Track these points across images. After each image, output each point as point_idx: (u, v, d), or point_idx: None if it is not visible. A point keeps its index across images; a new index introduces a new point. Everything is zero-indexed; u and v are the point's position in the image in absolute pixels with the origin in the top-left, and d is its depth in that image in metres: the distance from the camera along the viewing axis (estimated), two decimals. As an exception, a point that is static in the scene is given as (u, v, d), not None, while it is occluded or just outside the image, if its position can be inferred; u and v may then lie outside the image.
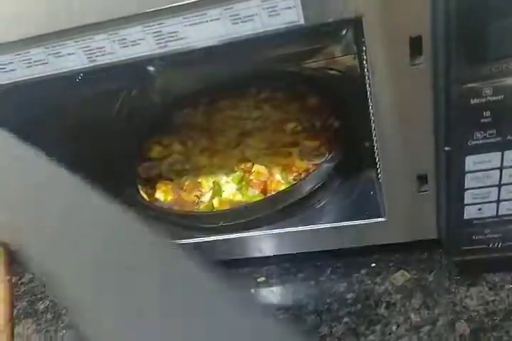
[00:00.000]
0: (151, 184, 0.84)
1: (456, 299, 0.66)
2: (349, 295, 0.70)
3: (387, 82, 0.50)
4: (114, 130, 0.98)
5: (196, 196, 0.78)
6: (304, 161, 0.77)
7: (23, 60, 0.54)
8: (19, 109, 0.68)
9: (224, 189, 0.77)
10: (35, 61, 0.53)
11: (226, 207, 0.74)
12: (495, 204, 0.57)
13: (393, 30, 0.46)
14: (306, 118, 0.85)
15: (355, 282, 0.72)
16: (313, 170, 0.73)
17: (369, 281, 0.71)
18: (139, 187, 0.84)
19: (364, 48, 0.48)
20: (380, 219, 0.65)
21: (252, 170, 0.78)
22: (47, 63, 0.53)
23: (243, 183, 0.77)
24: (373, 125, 0.56)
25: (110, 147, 0.93)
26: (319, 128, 0.83)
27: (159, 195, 0.81)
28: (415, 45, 0.46)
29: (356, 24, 0.47)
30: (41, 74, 0.54)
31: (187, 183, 0.80)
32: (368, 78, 0.51)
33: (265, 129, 0.86)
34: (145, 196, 0.81)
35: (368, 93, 0.54)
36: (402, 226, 0.66)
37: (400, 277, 0.71)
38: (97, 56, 0.53)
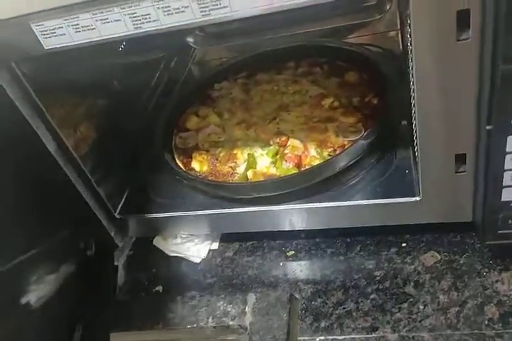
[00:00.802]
0: (187, 154, 0.84)
1: (487, 283, 0.65)
2: (377, 273, 0.70)
3: (431, 58, 0.49)
4: (152, 101, 0.99)
5: (231, 167, 0.78)
6: (340, 137, 0.75)
7: (72, 25, 0.55)
8: (62, 75, 0.70)
9: (258, 161, 0.77)
10: (83, 26, 0.54)
11: (260, 179, 0.74)
12: (535, 188, 0.56)
13: (440, 3, 0.44)
14: (344, 94, 0.84)
15: (384, 260, 0.71)
16: (349, 147, 0.72)
17: (398, 260, 0.71)
18: (176, 156, 0.84)
19: (409, 22, 0.47)
20: (414, 199, 0.65)
21: (287, 144, 0.77)
22: (94, 29, 0.55)
23: (278, 157, 0.76)
24: (413, 102, 0.55)
25: (148, 117, 0.95)
26: (357, 105, 0.81)
27: (195, 164, 0.81)
28: (462, 19, 0.45)
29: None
30: (88, 40, 0.55)
31: (222, 154, 0.80)
32: (411, 53, 0.49)
33: (302, 104, 0.85)
34: (181, 165, 0.82)
35: (410, 69, 0.52)
36: (436, 206, 0.65)
37: (430, 258, 0.70)
38: (142, 23, 0.53)
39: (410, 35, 0.48)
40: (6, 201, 0.64)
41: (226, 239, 0.82)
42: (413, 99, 0.55)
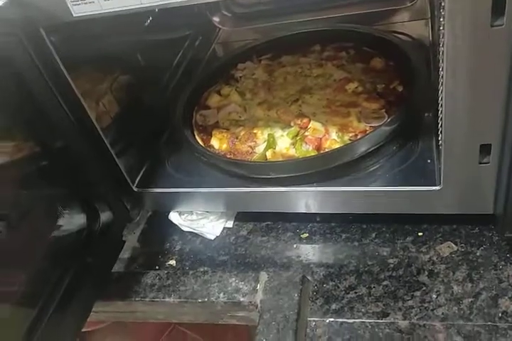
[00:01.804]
0: (207, 132, 0.84)
1: (503, 276, 0.64)
2: (391, 260, 0.69)
3: (463, 44, 0.47)
4: (174, 78, 0.98)
5: (250, 146, 0.77)
6: (362, 123, 0.74)
7: (102, -7, 0.55)
8: (89, 48, 0.70)
9: (278, 142, 0.76)
10: None
11: (279, 159, 0.73)
12: (560, 183, 0.54)
13: None
14: (369, 80, 0.82)
15: (399, 248, 0.70)
16: (371, 132, 0.70)
17: (414, 249, 0.70)
18: (196, 133, 0.84)
19: (443, 7, 0.45)
20: (434, 188, 0.63)
21: (308, 127, 0.76)
22: (123, -3, 0.55)
23: (298, 138, 0.75)
24: (441, 89, 0.53)
25: (169, 94, 0.94)
26: (381, 91, 0.79)
27: (214, 142, 0.81)
28: (498, 5, 0.43)
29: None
30: (117, 9, 0.55)
31: (242, 133, 0.80)
32: (443, 39, 0.48)
33: (326, 87, 0.83)
34: (200, 142, 0.82)
35: (440, 55, 0.51)
36: (456, 197, 0.64)
37: (447, 248, 0.69)
38: None
39: (443, 21, 0.46)
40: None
41: (241, 218, 0.82)
42: (441, 85, 0.53)
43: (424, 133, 0.72)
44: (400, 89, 0.79)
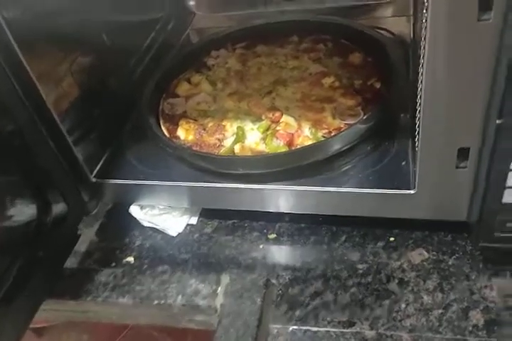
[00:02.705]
0: (174, 121, 0.79)
1: (475, 287, 0.61)
2: (361, 266, 0.66)
3: (446, 39, 0.44)
4: (142, 63, 0.93)
5: (218, 139, 0.74)
6: (337, 119, 0.71)
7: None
8: (48, 26, 0.65)
9: (247, 136, 0.72)
10: None
11: (247, 154, 0.70)
12: (539, 192, 0.51)
13: None
14: (346, 75, 0.79)
15: (369, 253, 0.67)
16: (345, 130, 0.67)
17: (384, 255, 0.67)
18: (162, 122, 0.80)
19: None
20: (408, 191, 0.60)
21: (281, 121, 0.73)
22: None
23: (268, 133, 0.71)
24: (420, 87, 0.49)
25: (136, 79, 0.89)
26: (358, 88, 0.76)
27: (180, 132, 0.77)
28: None
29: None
30: None
31: (210, 125, 0.75)
32: (425, 34, 0.45)
33: (301, 80, 0.80)
34: (166, 132, 0.77)
35: (421, 50, 0.48)
36: (430, 202, 0.61)
37: (418, 256, 0.66)
38: None
39: (426, 15, 0.44)
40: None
41: (206, 214, 0.77)
42: (420, 84, 0.49)
43: (401, 134, 0.69)
44: (378, 86, 0.76)
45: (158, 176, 0.72)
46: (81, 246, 0.77)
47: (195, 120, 0.78)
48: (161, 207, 0.77)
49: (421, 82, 0.49)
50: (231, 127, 0.75)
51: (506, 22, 0.42)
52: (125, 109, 0.85)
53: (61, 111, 0.67)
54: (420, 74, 0.50)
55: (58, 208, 0.70)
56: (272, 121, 0.74)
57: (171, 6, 1.04)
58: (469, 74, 0.47)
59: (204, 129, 0.76)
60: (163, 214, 0.77)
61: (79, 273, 0.73)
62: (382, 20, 0.95)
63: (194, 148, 0.74)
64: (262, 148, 0.71)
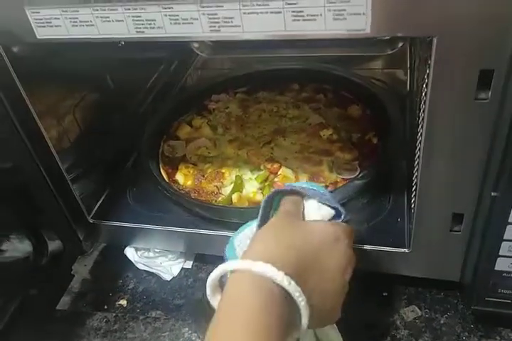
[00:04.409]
0: (173, 164, 0.79)
1: None
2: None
3: (445, 113, 0.45)
4: (144, 103, 0.94)
5: (216, 186, 0.73)
6: (334, 173, 0.72)
7: (70, 18, 0.51)
8: (53, 64, 0.65)
9: (246, 185, 0.72)
10: (81, 21, 0.50)
11: (244, 204, 0.70)
12: (530, 262, 0.51)
13: (464, 56, 0.41)
14: (344, 128, 0.80)
15: (363, 308, 0.67)
16: (342, 186, 0.68)
17: (377, 310, 0.67)
18: (161, 165, 0.80)
19: (428, 69, 0.44)
20: (402, 250, 0.61)
21: (279, 173, 0.73)
22: (93, 26, 0.51)
23: (266, 184, 0.72)
24: (419, 154, 0.51)
25: (138, 119, 0.90)
26: (356, 142, 0.77)
27: (179, 177, 0.77)
28: (484, 79, 0.42)
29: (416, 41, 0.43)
30: (85, 36, 0.49)
31: (209, 171, 0.75)
32: (424, 105, 0.46)
33: (300, 131, 0.81)
34: (165, 175, 0.77)
35: (420, 121, 0.49)
36: (424, 261, 0.61)
37: (411, 312, 0.66)
38: (145, 28, 0.49)
39: (427, 85, 0.45)
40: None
41: (201, 259, 0.77)
42: (418, 151, 0.51)
43: (396, 190, 0.69)
44: (375, 141, 0.77)
45: (155, 219, 0.72)
46: (74, 287, 0.77)
47: (195, 165, 0.79)
48: (157, 250, 0.77)
49: (419, 150, 0.50)
50: (229, 175, 0.75)
51: (504, 103, 0.43)
52: (126, 150, 0.85)
53: (61, 149, 0.67)
54: (418, 142, 0.51)
55: (54, 246, 0.69)
56: (270, 172, 0.74)
57: (175, 47, 1.05)
58: (466, 147, 0.48)
59: (203, 175, 0.76)
60: (158, 257, 0.77)
61: (70, 317, 0.72)
62: (379, 71, 0.97)
63: (192, 195, 0.74)
64: (259, 198, 0.71)
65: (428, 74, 0.43)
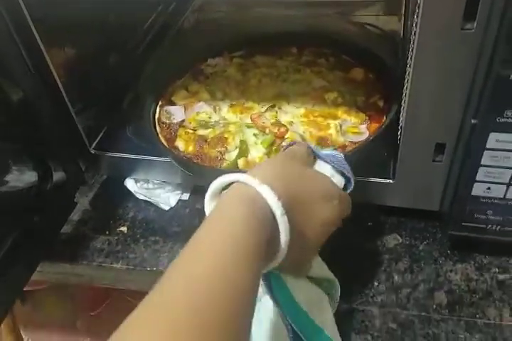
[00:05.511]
0: (172, 130, 0.78)
1: (441, 270, 0.67)
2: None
3: (433, 44, 0.48)
4: (144, 42, 0.95)
5: (220, 152, 0.72)
6: (342, 137, 0.71)
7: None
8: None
9: (251, 150, 0.70)
10: None
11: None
12: (505, 187, 0.56)
13: None
14: (348, 91, 0.78)
15: (349, 235, 0.70)
16: (352, 151, 0.68)
17: (361, 238, 0.72)
18: (159, 131, 0.78)
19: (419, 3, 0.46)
20: (387, 181, 0.65)
21: (286, 137, 0.71)
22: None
23: (273, 148, 0.70)
24: (407, 85, 0.54)
25: (138, 58, 0.92)
26: (361, 105, 0.76)
27: (179, 143, 0.75)
28: (470, 8, 0.45)
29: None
30: None
31: (211, 136, 0.73)
32: (414, 37, 0.49)
33: (304, 95, 0.78)
34: (164, 142, 0.75)
35: (410, 52, 0.52)
36: (407, 191, 0.66)
37: (393, 240, 0.71)
38: None
39: (416, 19, 0.48)
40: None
41: (197, 191, 0.80)
42: (407, 82, 0.54)
43: (389, 129, 0.70)
44: (381, 104, 0.76)
45: (154, 152, 0.74)
46: (76, 215, 0.80)
47: (194, 130, 0.77)
48: (155, 181, 0.80)
49: (407, 81, 0.54)
50: (233, 140, 0.73)
51: (486, 35, 0.46)
52: (125, 86, 0.87)
53: (66, 80, 0.69)
54: (407, 73, 0.54)
55: (57, 176, 0.73)
56: (277, 136, 0.72)
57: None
58: (450, 77, 0.51)
59: (205, 141, 0.74)
60: (156, 189, 0.80)
61: (74, 239, 0.76)
62: (373, 17, 0.98)
63: (195, 160, 0.73)
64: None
65: (419, 5, 0.46)
